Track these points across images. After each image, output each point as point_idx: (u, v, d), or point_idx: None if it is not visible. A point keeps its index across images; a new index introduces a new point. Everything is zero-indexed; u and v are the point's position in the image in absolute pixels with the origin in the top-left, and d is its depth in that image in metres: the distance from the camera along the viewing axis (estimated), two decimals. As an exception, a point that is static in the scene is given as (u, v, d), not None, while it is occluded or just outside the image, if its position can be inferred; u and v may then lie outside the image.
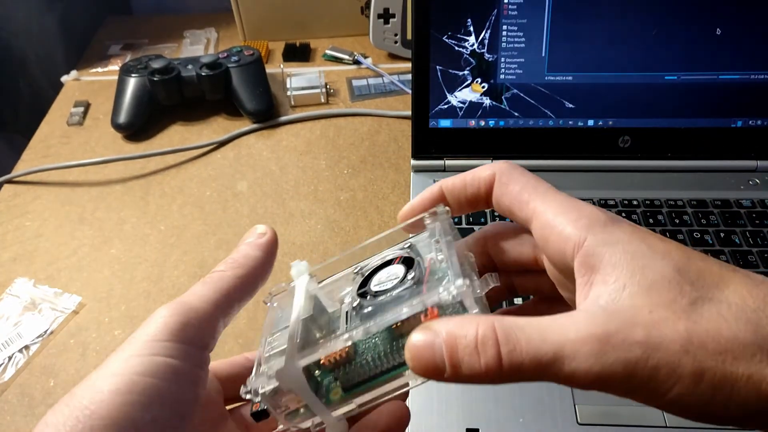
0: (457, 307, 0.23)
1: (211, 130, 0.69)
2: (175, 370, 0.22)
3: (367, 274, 0.28)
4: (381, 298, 0.25)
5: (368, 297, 0.26)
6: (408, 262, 0.27)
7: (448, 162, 0.57)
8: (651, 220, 0.52)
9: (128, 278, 0.53)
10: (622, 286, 0.21)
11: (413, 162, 0.57)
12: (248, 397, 0.24)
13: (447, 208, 0.29)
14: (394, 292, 0.25)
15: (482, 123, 0.56)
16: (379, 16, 0.74)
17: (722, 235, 0.50)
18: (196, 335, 0.23)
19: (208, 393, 0.26)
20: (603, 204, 0.53)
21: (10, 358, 0.48)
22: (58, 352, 0.48)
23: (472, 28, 0.52)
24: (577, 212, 0.23)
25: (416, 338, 0.21)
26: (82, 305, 0.51)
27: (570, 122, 0.55)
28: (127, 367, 0.21)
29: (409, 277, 0.26)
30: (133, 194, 0.62)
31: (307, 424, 0.25)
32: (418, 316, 0.23)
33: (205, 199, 0.61)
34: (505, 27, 0.52)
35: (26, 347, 0.48)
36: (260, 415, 0.25)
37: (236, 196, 0.61)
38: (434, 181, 0.55)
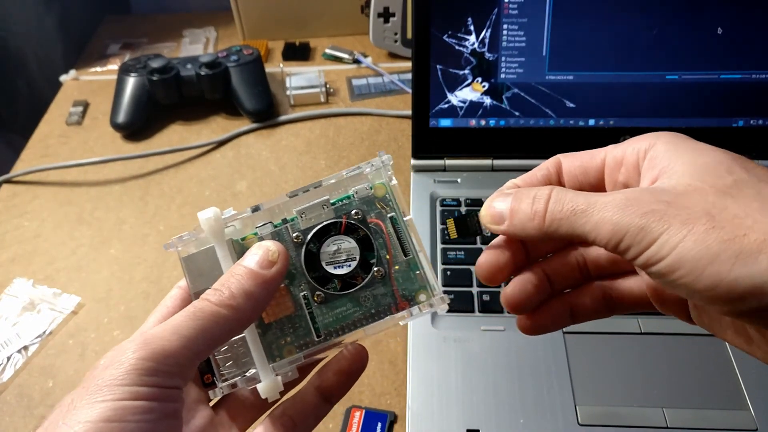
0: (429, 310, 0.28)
1: (211, 130, 0.69)
2: (145, 410, 0.21)
3: (314, 234, 0.28)
4: (349, 291, 0.27)
5: (328, 287, 0.27)
6: (352, 230, 0.27)
7: (449, 162, 0.57)
8: (652, 220, 0.51)
9: (127, 278, 0.53)
10: (667, 170, 0.23)
11: (413, 161, 0.57)
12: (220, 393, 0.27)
13: (389, 155, 0.30)
14: (362, 294, 0.27)
15: (483, 122, 0.56)
16: (379, 15, 0.74)
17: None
18: (166, 379, 0.22)
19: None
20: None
21: (8, 358, 0.47)
22: (56, 352, 0.48)
23: (472, 27, 0.52)
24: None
25: (494, 197, 0.26)
26: (80, 305, 0.51)
27: (571, 122, 0.55)
28: (94, 414, 0.20)
29: (375, 270, 0.27)
30: (132, 194, 0.62)
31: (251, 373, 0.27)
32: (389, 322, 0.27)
33: (204, 199, 0.61)
34: (505, 26, 0.51)
35: (25, 348, 0.48)
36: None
37: (235, 196, 0.61)
38: (434, 182, 0.56)
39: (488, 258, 0.27)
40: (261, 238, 0.28)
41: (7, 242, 0.57)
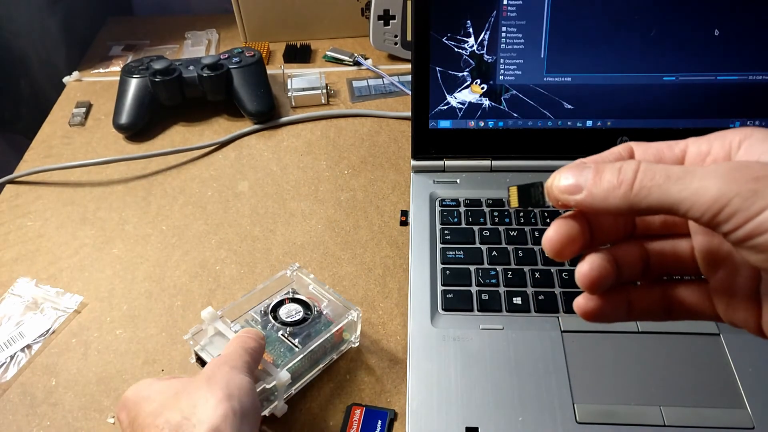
0: (353, 324, 0.46)
1: (212, 131, 0.70)
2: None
3: (270, 310, 0.46)
4: (306, 324, 0.45)
5: (292, 327, 0.45)
6: (297, 302, 0.46)
7: (448, 162, 0.57)
8: (650, 221, 0.52)
9: (130, 278, 0.54)
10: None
11: (413, 162, 0.58)
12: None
13: (297, 265, 0.49)
14: (309, 324, 0.45)
15: (481, 124, 0.56)
16: (380, 18, 0.74)
17: (720, 235, 0.50)
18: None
19: None
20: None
21: (12, 357, 0.48)
22: (59, 351, 0.48)
23: (471, 30, 0.52)
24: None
25: (566, 168, 0.25)
26: (83, 305, 0.52)
27: (569, 123, 0.55)
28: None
29: (315, 311, 0.46)
30: (134, 194, 0.62)
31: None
32: (333, 334, 0.45)
33: (206, 200, 0.61)
34: (504, 28, 0.52)
35: (28, 346, 0.49)
36: None
37: (237, 197, 0.61)
38: (434, 182, 0.56)
39: (560, 229, 0.25)
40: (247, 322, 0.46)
41: (10, 242, 0.57)
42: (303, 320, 0.45)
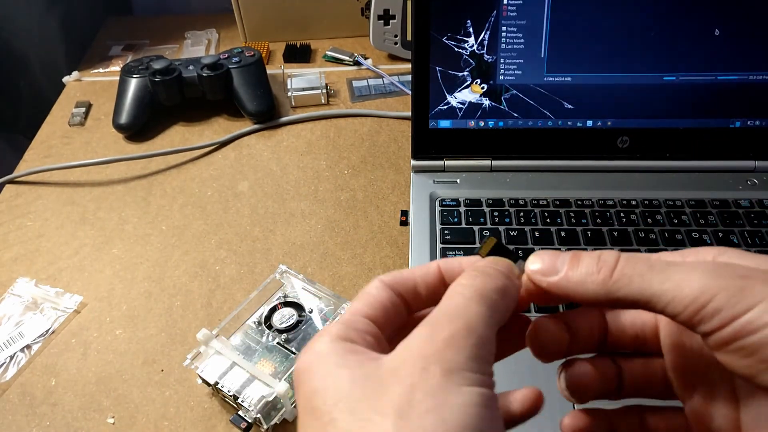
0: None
1: (212, 131, 0.70)
2: None
3: (264, 320, 0.46)
4: (301, 327, 0.45)
5: (287, 333, 0.45)
6: (289, 305, 0.46)
7: (448, 162, 0.57)
8: (650, 221, 0.52)
9: (129, 278, 0.54)
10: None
11: (413, 162, 0.58)
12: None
13: (285, 266, 0.48)
14: (304, 326, 0.45)
15: (482, 123, 0.56)
16: (380, 18, 0.74)
17: (721, 235, 0.50)
18: None
19: None
20: (602, 204, 0.53)
21: (11, 357, 0.48)
22: (59, 351, 0.48)
23: (471, 29, 0.52)
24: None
25: (543, 252, 0.23)
26: (83, 305, 0.52)
27: (569, 123, 0.55)
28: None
29: (308, 312, 0.46)
30: (134, 194, 0.62)
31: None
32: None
33: (206, 200, 0.61)
34: (504, 28, 0.52)
35: (28, 347, 0.49)
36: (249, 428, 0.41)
37: (237, 197, 0.61)
38: (434, 182, 0.56)
39: (541, 330, 0.24)
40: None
41: (10, 242, 0.57)
42: (297, 324, 0.45)
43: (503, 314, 0.22)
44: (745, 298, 0.18)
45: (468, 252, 0.50)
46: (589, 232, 0.51)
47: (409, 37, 0.75)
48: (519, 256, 0.25)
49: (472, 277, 0.22)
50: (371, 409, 0.18)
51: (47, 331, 0.50)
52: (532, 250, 0.50)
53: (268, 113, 0.70)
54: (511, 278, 0.23)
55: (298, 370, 0.21)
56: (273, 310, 0.46)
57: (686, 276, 0.19)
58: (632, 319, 0.25)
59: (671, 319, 0.21)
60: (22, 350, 0.48)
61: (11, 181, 0.64)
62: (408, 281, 0.24)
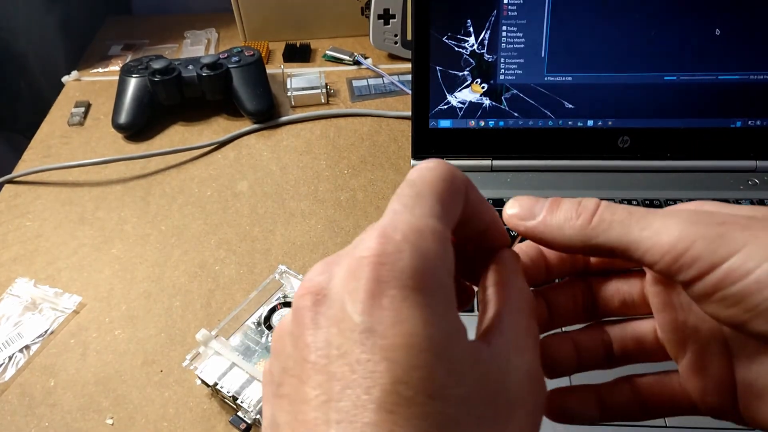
0: None
1: (212, 131, 0.69)
2: None
3: (263, 318, 0.45)
4: None
5: None
6: (289, 305, 0.45)
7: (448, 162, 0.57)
8: (650, 221, 0.52)
9: (129, 278, 0.53)
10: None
11: (413, 162, 0.57)
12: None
13: (284, 267, 0.48)
14: None
15: (482, 123, 0.56)
16: (379, 17, 0.74)
17: (721, 235, 0.50)
18: None
19: None
20: (602, 204, 0.53)
21: (10, 357, 0.48)
22: (58, 351, 0.48)
23: (471, 29, 0.52)
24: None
25: (523, 196, 0.22)
26: (82, 305, 0.51)
27: (569, 122, 0.55)
28: None
29: None
30: (133, 194, 0.62)
31: None
32: None
33: (205, 199, 0.61)
34: (504, 27, 0.52)
35: (27, 347, 0.48)
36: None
37: (237, 196, 0.61)
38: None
39: None
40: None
41: (9, 242, 0.57)
42: None
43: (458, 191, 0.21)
44: (725, 244, 0.17)
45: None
46: (589, 232, 0.51)
47: (409, 37, 0.75)
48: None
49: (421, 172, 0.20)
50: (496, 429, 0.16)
51: (46, 331, 0.50)
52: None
53: (268, 113, 0.69)
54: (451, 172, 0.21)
55: (394, 269, 0.16)
56: (272, 310, 0.46)
57: (665, 223, 0.19)
58: (618, 285, 0.25)
59: (650, 269, 0.20)
60: (20, 351, 0.48)
61: (10, 181, 0.64)
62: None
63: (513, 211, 0.23)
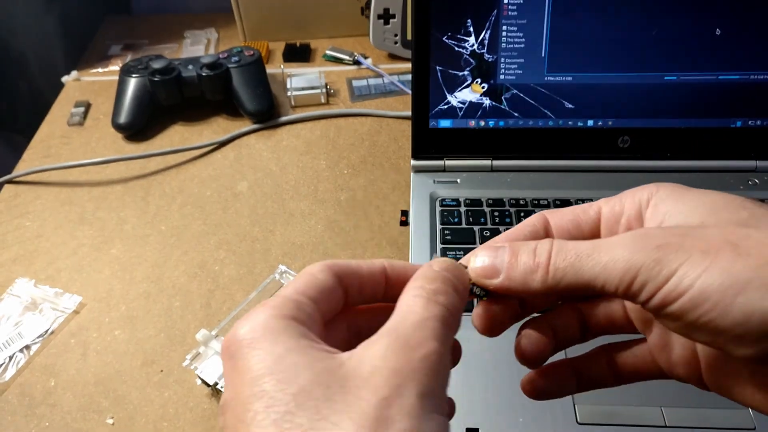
0: None
1: (212, 131, 0.69)
2: None
3: None
4: None
5: None
6: None
7: (448, 162, 0.57)
8: (650, 221, 0.52)
9: (128, 278, 0.53)
10: (674, 212, 0.22)
11: (413, 162, 0.57)
12: None
13: (284, 267, 0.46)
14: None
15: (482, 123, 0.56)
16: (379, 17, 0.74)
17: (722, 235, 0.50)
18: None
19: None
20: (603, 204, 0.53)
21: (10, 357, 0.48)
22: (58, 351, 0.48)
23: (472, 29, 0.52)
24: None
25: (481, 249, 0.24)
26: (82, 305, 0.51)
27: (570, 122, 0.55)
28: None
29: None
30: (133, 194, 0.62)
31: None
32: None
33: (205, 200, 0.61)
34: (504, 27, 0.52)
35: (27, 347, 0.48)
36: None
37: (236, 197, 0.61)
38: (434, 182, 0.56)
39: (485, 311, 0.25)
40: None
41: (9, 242, 0.57)
42: None
43: (455, 333, 0.22)
44: (663, 268, 0.19)
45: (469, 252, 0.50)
46: (589, 232, 0.51)
47: (409, 37, 0.75)
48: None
49: (440, 294, 0.22)
50: (337, 412, 0.17)
51: (46, 331, 0.49)
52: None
53: (268, 113, 0.69)
54: (456, 289, 0.23)
55: (237, 342, 0.19)
56: None
57: (612, 256, 0.20)
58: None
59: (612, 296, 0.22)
60: (21, 351, 0.48)
61: (10, 181, 0.64)
62: (353, 273, 0.23)
63: (477, 267, 0.24)
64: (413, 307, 0.21)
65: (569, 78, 0.53)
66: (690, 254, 0.19)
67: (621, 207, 0.25)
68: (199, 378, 0.43)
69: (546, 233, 0.26)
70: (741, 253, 0.19)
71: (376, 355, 0.19)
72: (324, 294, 0.22)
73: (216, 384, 0.42)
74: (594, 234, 0.26)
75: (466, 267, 0.25)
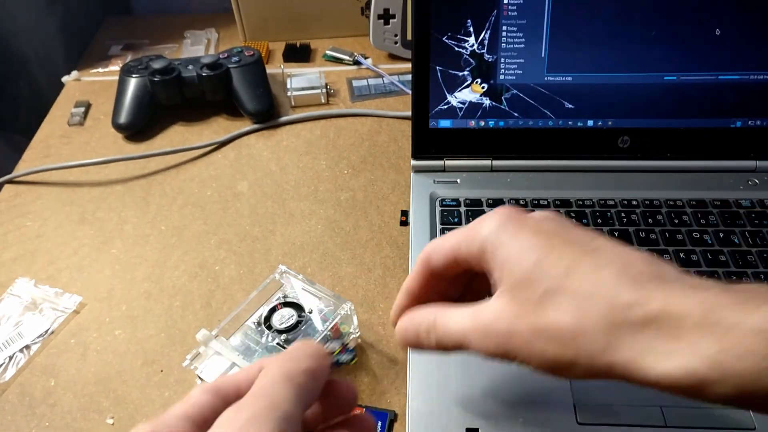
0: (347, 317, 0.45)
1: (212, 131, 0.70)
2: None
3: (263, 320, 0.45)
4: (301, 328, 0.45)
5: (286, 334, 0.45)
6: (289, 305, 0.46)
7: (448, 162, 0.57)
8: (650, 221, 0.52)
9: (129, 278, 0.53)
10: (499, 287, 0.28)
11: (413, 162, 0.57)
12: None
13: (284, 267, 0.48)
14: (304, 326, 0.45)
15: (482, 123, 0.56)
16: (379, 17, 0.74)
17: (721, 235, 0.50)
18: None
19: None
20: (602, 204, 0.53)
21: (10, 357, 0.48)
22: (58, 351, 0.48)
23: (471, 29, 0.52)
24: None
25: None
26: (82, 305, 0.51)
27: (569, 122, 0.55)
28: None
29: (307, 312, 0.46)
30: (133, 194, 0.62)
31: None
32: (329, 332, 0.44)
33: (205, 200, 0.61)
34: (504, 27, 0.52)
35: (27, 347, 0.49)
36: None
37: (237, 197, 0.61)
38: (434, 182, 0.56)
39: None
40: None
41: (9, 242, 0.57)
42: (297, 324, 0.45)
43: (311, 393, 0.24)
44: (488, 338, 0.27)
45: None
46: (589, 232, 0.51)
47: (409, 37, 0.75)
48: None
49: (279, 361, 0.24)
50: None
51: (46, 331, 0.50)
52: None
53: (268, 113, 0.69)
54: (319, 360, 0.25)
55: None
56: (273, 310, 0.46)
57: (460, 328, 0.29)
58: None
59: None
60: (21, 350, 0.48)
61: (10, 181, 0.64)
62: (230, 384, 0.25)
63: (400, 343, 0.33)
64: (257, 381, 0.24)
65: (569, 78, 0.53)
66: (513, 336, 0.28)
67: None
68: (199, 378, 0.43)
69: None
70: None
71: (213, 428, 0.22)
72: (198, 408, 0.24)
73: None
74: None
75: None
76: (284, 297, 0.47)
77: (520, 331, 0.26)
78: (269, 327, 0.45)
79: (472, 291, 0.34)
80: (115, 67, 0.80)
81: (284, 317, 0.45)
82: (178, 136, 0.69)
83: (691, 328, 0.22)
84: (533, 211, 0.30)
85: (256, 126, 0.69)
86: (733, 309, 0.22)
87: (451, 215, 0.53)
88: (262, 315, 0.46)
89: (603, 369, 0.24)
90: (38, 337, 0.49)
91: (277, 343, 0.44)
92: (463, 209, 0.53)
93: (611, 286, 0.24)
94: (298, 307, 0.46)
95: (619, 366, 0.23)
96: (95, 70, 0.80)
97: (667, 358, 0.22)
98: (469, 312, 0.28)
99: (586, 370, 0.24)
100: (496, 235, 0.28)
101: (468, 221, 0.52)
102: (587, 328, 0.24)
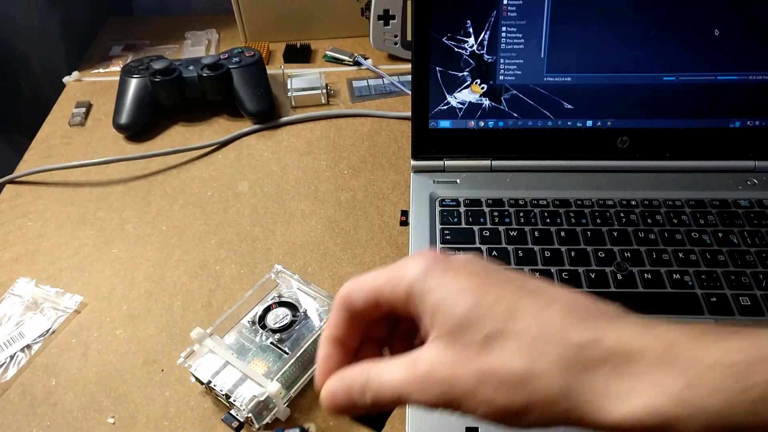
0: None
1: (212, 131, 0.70)
2: None
3: (258, 319, 0.46)
4: (295, 327, 0.45)
5: (280, 333, 0.45)
6: (284, 305, 0.46)
7: (448, 162, 0.57)
8: (649, 221, 0.52)
9: (130, 278, 0.54)
10: (432, 332, 0.25)
11: (413, 162, 0.58)
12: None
13: (280, 267, 0.48)
14: (298, 326, 0.45)
15: (481, 124, 0.56)
16: (380, 18, 0.74)
17: (720, 235, 0.50)
18: None
19: None
20: (601, 204, 0.53)
21: (12, 357, 0.48)
22: (59, 351, 0.48)
23: (471, 30, 0.52)
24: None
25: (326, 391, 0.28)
26: (83, 305, 0.52)
27: (569, 123, 0.55)
28: None
29: (302, 312, 0.46)
30: (134, 194, 0.62)
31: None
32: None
33: (206, 200, 0.61)
34: (504, 28, 0.52)
35: (28, 347, 0.49)
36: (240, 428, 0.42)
37: (237, 197, 0.61)
38: (434, 182, 0.56)
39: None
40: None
41: (10, 242, 0.57)
42: (291, 324, 0.45)
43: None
44: (429, 387, 0.25)
45: (468, 252, 0.50)
46: (588, 232, 0.51)
47: (409, 37, 0.75)
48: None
49: None
50: None
51: (47, 331, 0.50)
52: (531, 251, 0.50)
53: (268, 113, 0.70)
54: None
55: None
56: (267, 309, 0.46)
57: (398, 380, 0.25)
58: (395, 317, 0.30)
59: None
60: (22, 350, 0.48)
61: (11, 181, 0.64)
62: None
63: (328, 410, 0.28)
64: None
65: (568, 79, 0.53)
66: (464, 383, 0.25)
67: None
68: (193, 376, 0.43)
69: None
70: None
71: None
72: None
73: (209, 382, 0.42)
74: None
75: None
76: (279, 296, 0.47)
77: (465, 377, 0.24)
78: (263, 326, 0.45)
79: (399, 334, 0.30)
80: (116, 67, 0.80)
81: (278, 317, 0.45)
82: (178, 136, 0.69)
83: (651, 365, 0.21)
84: (456, 254, 0.28)
85: (256, 126, 0.69)
86: (691, 345, 0.21)
87: (451, 215, 0.53)
88: (256, 314, 0.46)
89: (559, 414, 0.22)
90: (39, 336, 0.49)
91: (271, 343, 0.44)
92: (462, 209, 0.54)
93: (560, 326, 0.23)
94: (292, 306, 0.46)
95: (576, 409, 0.22)
96: (96, 71, 0.80)
97: (630, 398, 0.21)
98: (404, 362, 0.25)
99: (539, 416, 0.23)
100: (423, 279, 0.25)
101: (468, 221, 0.53)
102: (539, 372, 0.22)
